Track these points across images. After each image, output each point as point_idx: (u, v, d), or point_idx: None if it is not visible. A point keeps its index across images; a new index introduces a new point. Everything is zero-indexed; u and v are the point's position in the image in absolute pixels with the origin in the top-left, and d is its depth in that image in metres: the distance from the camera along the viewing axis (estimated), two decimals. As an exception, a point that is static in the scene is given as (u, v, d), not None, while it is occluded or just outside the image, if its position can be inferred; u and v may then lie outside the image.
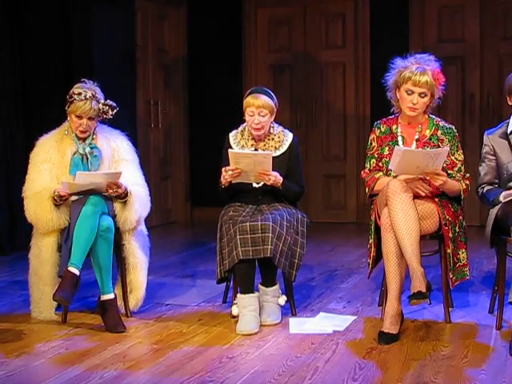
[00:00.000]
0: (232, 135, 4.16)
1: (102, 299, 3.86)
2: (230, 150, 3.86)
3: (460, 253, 3.80)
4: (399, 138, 3.91)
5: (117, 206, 3.95)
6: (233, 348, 3.49)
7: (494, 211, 3.70)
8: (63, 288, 3.63)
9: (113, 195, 3.89)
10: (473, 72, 7.41)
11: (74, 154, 4.01)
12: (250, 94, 4.04)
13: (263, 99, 3.97)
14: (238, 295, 3.85)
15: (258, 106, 3.95)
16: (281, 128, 4.15)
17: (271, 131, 4.08)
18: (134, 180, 4.08)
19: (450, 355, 3.32)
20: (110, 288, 3.88)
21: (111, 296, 3.87)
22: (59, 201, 3.85)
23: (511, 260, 3.82)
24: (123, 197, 3.93)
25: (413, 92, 3.77)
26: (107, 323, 3.80)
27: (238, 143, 4.11)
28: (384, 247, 3.63)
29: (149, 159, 7.54)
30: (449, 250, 3.74)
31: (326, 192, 8.04)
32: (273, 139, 4.08)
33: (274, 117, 4.04)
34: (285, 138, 4.11)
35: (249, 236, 3.74)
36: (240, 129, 4.16)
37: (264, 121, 3.97)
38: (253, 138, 4.08)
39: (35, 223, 3.94)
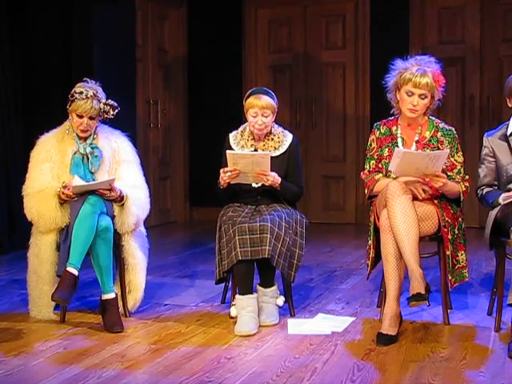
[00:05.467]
0: (232, 136, 4.17)
1: (102, 299, 3.87)
2: (227, 151, 3.86)
3: (459, 254, 3.80)
4: (399, 140, 3.91)
5: (116, 207, 3.95)
6: (231, 348, 3.49)
7: (493, 213, 3.70)
8: (62, 288, 3.63)
9: (108, 199, 3.90)
10: (473, 74, 7.42)
11: (75, 153, 4.00)
12: (250, 94, 4.03)
13: (266, 100, 3.97)
14: (237, 296, 3.85)
15: (262, 107, 3.95)
16: (281, 129, 4.16)
17: (272, 131, 4.09)
18: (133, 182, 4.08)
19: (449, 357, 3.32)
20: (110, 287, 3.88)
21: (111, 295, 3.87)
22: (64, 197, 3.84)
23: (510, 262, 3.81)
24: (119, 201, 3.94)
25: (413, 93, 3.77)
26: (106, 323, 3.80)
27: (237, 143, 4.11)
28: (383, 248, 3.63)
29: (148, 159, 7.54)
30: (448, 252, 3.74)
31: (325, 193, 8.04)
32: (272, 139, 4.08)
33: (275, 116, 4.05)
34: (284, 139, 4.11)
35: (247, 237, 3.73)
36: (240, 129, 4.16)
37: (267, 121, 3.98)
38: (253, 138, 4.08)
39: (37, 221, 3.92)
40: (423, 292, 3.38)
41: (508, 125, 3.85)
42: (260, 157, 3.82)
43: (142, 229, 4.18)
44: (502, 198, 3.69)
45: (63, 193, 3.84)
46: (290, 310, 4.05)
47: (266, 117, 3.97)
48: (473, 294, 4.49)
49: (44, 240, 3.93)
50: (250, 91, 4.09)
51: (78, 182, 3.89)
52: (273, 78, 8.12)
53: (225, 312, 4.11)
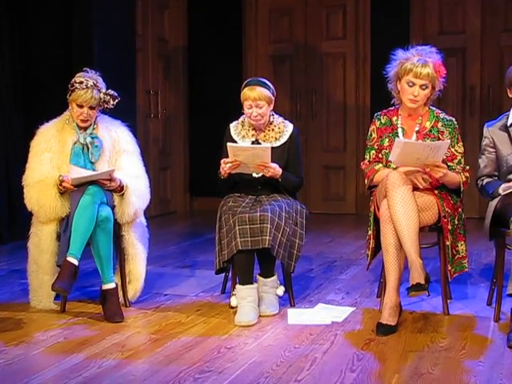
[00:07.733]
0: (233, 126, 4.16)
1: (102, 289, 3.87)
2: (228, 144, 3.85)
3: (459, 245, 3.80)
4: (399, 130, 3.91)
5: (116, 198, 3.95)
6: (231, 338, 3.50)
7: (493, 204, 3.70)
8: (62, 278, 3.63)
9: (108, 189, 3.90)
10: (473, 64, 7.41)
11: (75, 143, 4.00)
12: (245, 86, 4.02)
13: (259, 91, 3.96)
14: (237, 286, 3.85)
15: (255, 99, 3.94)
16: (281, 119, 4.15)
17: (272, 121, 4.08)
18: (133, 172, 4.07)
19: (448, 347, 3.33)
20: (110, 278, 3.89)
21: (112, 285, 3.88)
22: (62, 188, 3.85)
23: (510, 252, 3.82)
24: (119, 191, 3.93)
25: (414, 84, 3.77)
26: (106, 313, 3.81)
27: (238, 134, 4.10)
28: (383, 239, 3.63)
29: (148, 149, 7.53)
30: (448, 242, 3.74)
31: (325, 183, 8.04)
32: (273, 130, 4.07)
33: (272, 106, 4.03)
34: (285, 129, 4.10)
35: (248, 227, 3.74)
36: (241, 119, 4.15)
37: (262, 111, 3.97)
38: (253, 129, 4.08)
39: (37, 211, 3.92)
40: (423, 282, 3.38)
41: (508, 115, 3.85)
42: (261, 150, 3.81)
43: (142, 219, 4.18)
44: (502, 189, 3.69)
45: (62, 185, 3.84)
46: (289, 300, 4.06)
47: (261, 107, 3.96)
48: (472, 285, 4.49)
49: (44, 230, 3.93)
50: (245, 82, 4.07)
51: (75, 170, 3.88)
52: (273, 69, 8.10)
53: (225, 302, 4.12)
